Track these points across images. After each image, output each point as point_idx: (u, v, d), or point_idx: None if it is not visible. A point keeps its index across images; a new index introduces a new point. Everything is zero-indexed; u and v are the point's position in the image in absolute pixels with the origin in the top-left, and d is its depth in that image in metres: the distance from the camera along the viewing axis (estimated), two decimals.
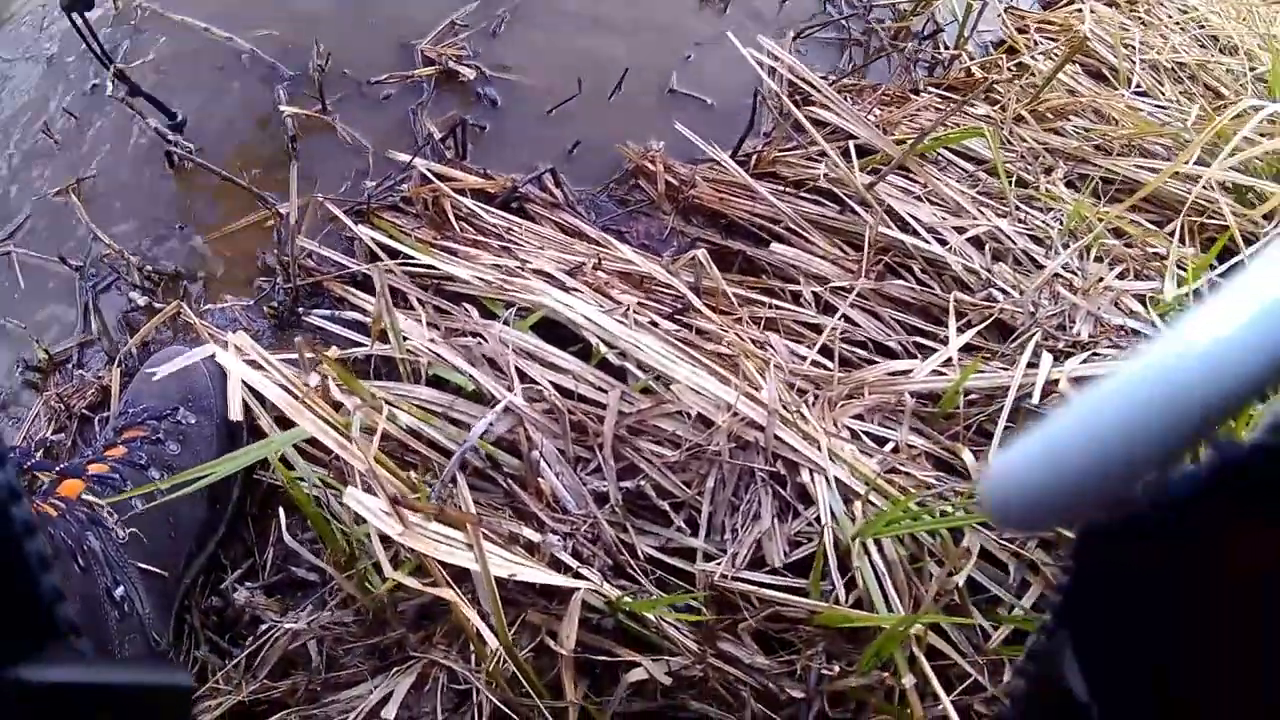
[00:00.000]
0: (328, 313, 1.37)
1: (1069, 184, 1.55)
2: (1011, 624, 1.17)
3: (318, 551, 1.18)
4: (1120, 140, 1.62)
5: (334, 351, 1.27)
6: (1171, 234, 1.50)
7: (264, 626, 1.18)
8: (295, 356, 1.21)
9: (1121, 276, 1.45)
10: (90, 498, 1.12)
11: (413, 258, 1.34)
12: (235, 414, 1.12)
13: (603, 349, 1.23)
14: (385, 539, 1.07)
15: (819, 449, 1.18)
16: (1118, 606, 0.40)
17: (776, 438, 1.18)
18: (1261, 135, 1.61)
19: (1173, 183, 1.56)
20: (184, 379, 1.26)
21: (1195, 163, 1.58)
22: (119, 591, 1.09)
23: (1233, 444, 0.32)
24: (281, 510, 1.18)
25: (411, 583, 1.06)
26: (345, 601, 1.19)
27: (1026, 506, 0.35)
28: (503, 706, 1.10)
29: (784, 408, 1.20)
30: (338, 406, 1.17)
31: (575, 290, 1.29)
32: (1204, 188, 1.55)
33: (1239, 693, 0.37)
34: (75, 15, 1.37)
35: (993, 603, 1.20)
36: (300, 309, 1.38)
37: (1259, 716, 0.37)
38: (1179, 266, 1.47)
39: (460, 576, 1.08)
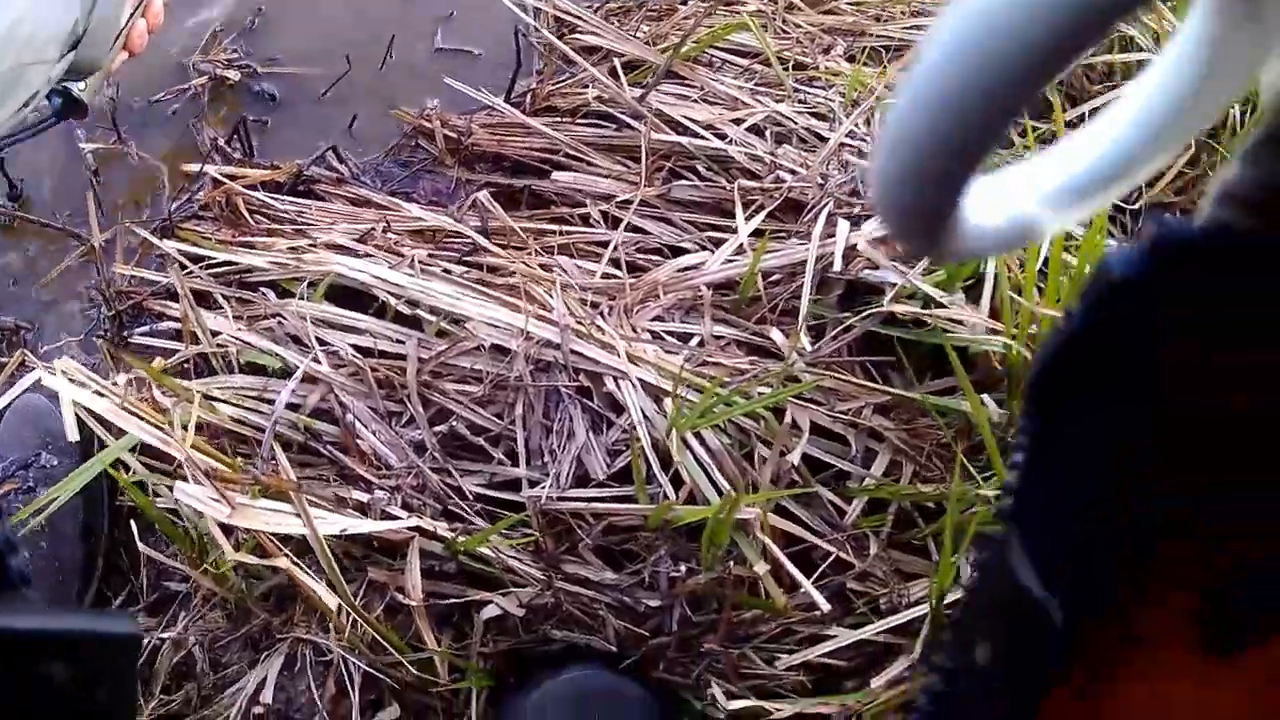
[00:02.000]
0: (148, 329, 1.39)
1: (850, 58, 1.55)
2: (864, 495, 1.18)
3: (176, 556, 1.21)
4: (899, 6, 1.63)
5: (158, 362, 1.29)
6: None
7: (147, 642, 1.20)
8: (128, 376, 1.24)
9: None
10: None
11: (214, 259, 1.36)
12: (71, 434, 1.17)
13: (392, 301, 1.25)
14: (226, 527, 1.09)
15: (619, 355, 1.20)
16: (1068, 481, 0.39)
17: (574, 352, 1.20)
18: None
19: None
20: (41, 424, 1.30)
21: None
22: None
23: (1173, 221, 0.32)
24: (133, 523, 1.21)
25: (251, 560, 1.09)
26: (206, 599, 1.21)
27: (905, 176, 0.33)
28: (371, 670, 1.12)
29: (577, 321, 1.22)
30: (165, 411, 1.19)
31: (367, 255, 1.31)
32: None
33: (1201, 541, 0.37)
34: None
35: (841, 477, 1.20)
36: (126, 332, 1.40)
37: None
38: None
39: (304, 551, 1.11)
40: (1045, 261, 1.25)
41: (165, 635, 1.21)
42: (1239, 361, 0.33)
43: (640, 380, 1.18)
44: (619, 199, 1.37)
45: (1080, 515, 0.39)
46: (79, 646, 0.44)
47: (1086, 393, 0.36)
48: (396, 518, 1.13)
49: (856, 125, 1.41)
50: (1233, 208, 0.34)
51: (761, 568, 1.10)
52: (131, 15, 1.04)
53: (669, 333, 1.26)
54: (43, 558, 1.22)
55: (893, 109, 0.32)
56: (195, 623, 1.21)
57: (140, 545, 1.20)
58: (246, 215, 1.41)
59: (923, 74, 0.30)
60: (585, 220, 1.38)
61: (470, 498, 1.17)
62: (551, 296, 1.23)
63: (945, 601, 1.11)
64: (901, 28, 1.59)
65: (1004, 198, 0.40)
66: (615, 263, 1.32)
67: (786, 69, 1.49)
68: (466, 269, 1.29)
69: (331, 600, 1.08)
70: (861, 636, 1.13)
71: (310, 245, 1.33)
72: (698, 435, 1.16)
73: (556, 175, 1.40)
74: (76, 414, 1.17)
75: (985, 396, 1.21)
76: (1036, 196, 0.41)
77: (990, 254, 1.20)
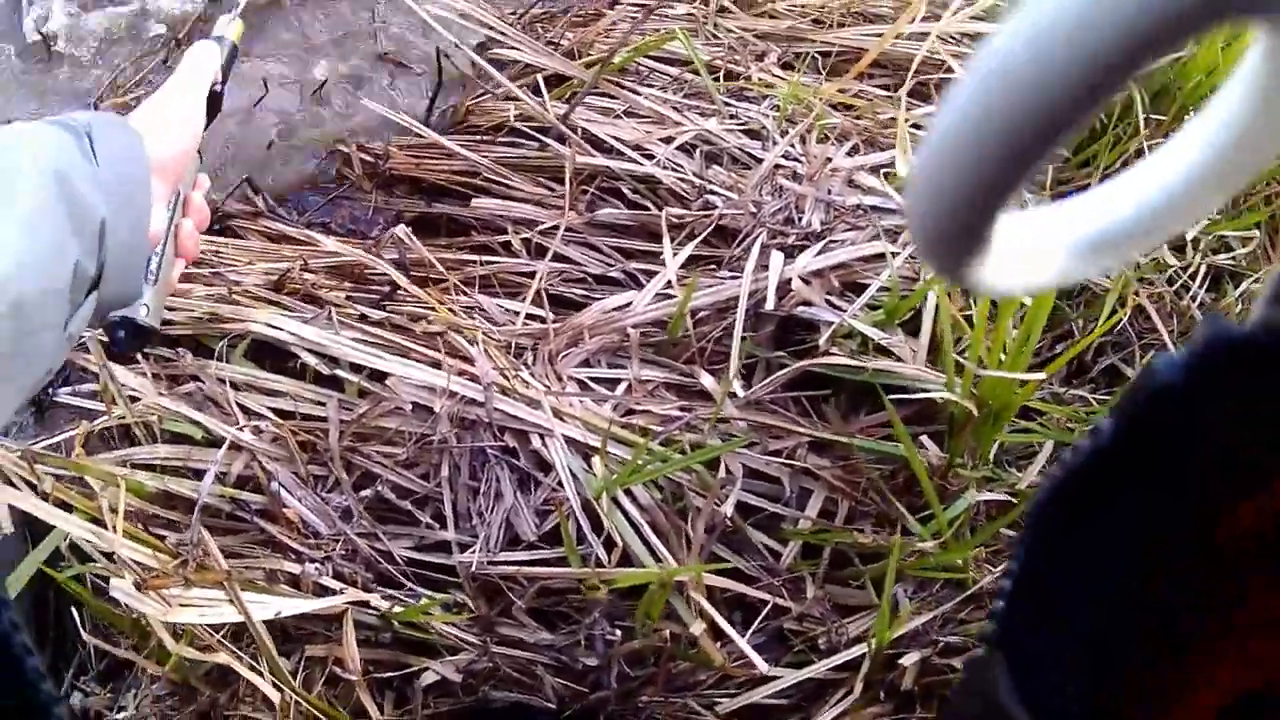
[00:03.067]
0: (70, 389, 1.33)
1: (786, 66, 1.47)
2: (799, 538, 1.16)
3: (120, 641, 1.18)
4: (839, 10, 1.53)
5: (83, 426, 1.23)
6: (901, 98, 1.43)
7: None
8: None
9: (852, 153, 1.38)
10: None
11: None
12: (6, 527, 1.13)
13: (312, 361, 1.21)
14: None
15: (544, 410, 1.16)
16: (1090, 570, 0.38)
17: (498, 409, 1.16)
18: None
19: (904, 44, 1.48)
20: None
21: (925, 19, 1.49)
22: None
23: (1223, 324, 0.30)
24: (74, 609, 1.17)
25: (192, 654, 1.07)
26: (154, 678, 1.18)
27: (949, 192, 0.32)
28: None
29: (502, 374, 1.18)
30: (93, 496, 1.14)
31: (281, 303, 1.26)
32: (940, 40, 1.46)
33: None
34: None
35: (774, 519, 1.18)
36: (51, 390, 1.34)
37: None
38: (917, 128, 1.42)
39: (243, 629, 1.08)
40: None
41: (119, 717, 1.18)
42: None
43: (567, 437, 1.15)
44: (543, 225, 1.31)
45: (1101, 601, 0.38)
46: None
47: (1123, 487, 0.36)
48: (329, 589, 1.11)
49: (791, 145, 1.35)
50: None
51: (698, 628, 1.08)
52: (170, 222, 0.87)
53: (596, 379, 1.22)
54: None
55: (923, 144, 0.32)
56: (146, 701, 1.19)
57: (85, 635, 1.16)
58: None
59: (950, 114, 0.30)
60: (507, 248, 1.32)
61: (401, 563, 1.14)
62: (474, 347, 1.19)
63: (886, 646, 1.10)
64: (852, 33, 1.50)
65: (1036, 239, 0.39)
66: (540, 296, 1.27)
67: (717, 79, 1.42)
68: (386, 313, 1.24)
69: (272, 691, 1.06)
70: (802, 677, 1.12)
71: (228, 293, 1.27)
72: (628, 492, 1.13)
73: (477, 201, 1.34)
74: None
75: (924, 437, 1.18)
76: (1069, 241, 0.39)
77: (1019, 293, 1.16)
